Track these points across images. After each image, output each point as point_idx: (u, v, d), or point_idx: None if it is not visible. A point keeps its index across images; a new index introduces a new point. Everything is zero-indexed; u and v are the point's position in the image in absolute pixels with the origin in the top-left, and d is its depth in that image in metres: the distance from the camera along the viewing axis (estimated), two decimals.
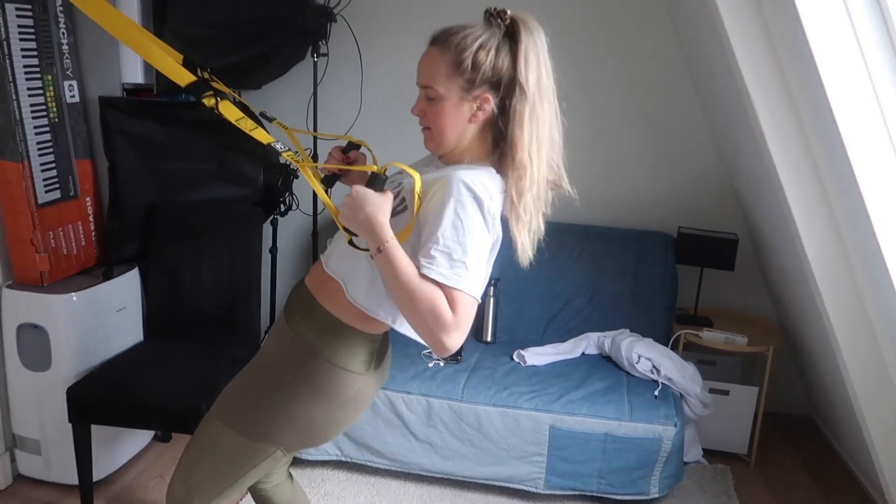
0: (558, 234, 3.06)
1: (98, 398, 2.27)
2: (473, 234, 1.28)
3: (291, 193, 2.97)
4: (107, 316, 2.51)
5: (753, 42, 1.95)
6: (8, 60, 2.21)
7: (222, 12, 2.75)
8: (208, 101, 1.40)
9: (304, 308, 1.44)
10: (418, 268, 1.26)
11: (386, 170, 1.35)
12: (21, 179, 2.28)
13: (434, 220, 1.28)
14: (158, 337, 2.66)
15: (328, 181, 1.47)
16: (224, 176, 2.73)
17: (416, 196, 1.31)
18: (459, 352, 2.78)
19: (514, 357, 2.81)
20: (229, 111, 1.41)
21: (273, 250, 3.13)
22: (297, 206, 3.07)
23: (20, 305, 2.36)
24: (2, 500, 2.44)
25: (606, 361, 2.84)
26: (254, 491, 1.77)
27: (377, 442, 2.59)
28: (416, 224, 1.32)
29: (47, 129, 2.37)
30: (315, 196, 3.15)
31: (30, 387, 2.40)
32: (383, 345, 1.52)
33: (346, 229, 1.34)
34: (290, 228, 3.41)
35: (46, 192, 2.37)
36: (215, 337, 2.60)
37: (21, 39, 2.25)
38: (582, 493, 2.54)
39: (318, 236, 3.24)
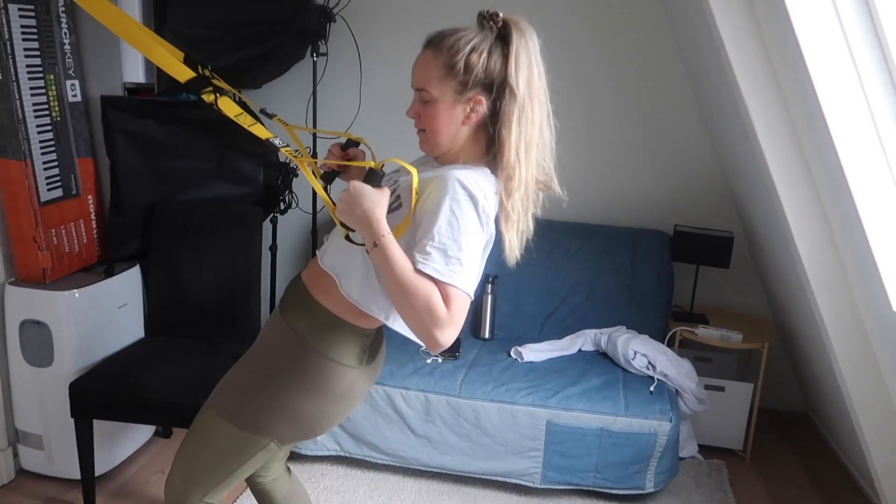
0: (555, 231, 3.13)
1: (100, 394, 2.29)
2: (468, 231, 1.29)
3: (291, 192, 2.99)
4: (108, 313, 2.53)
5: (746, 42, 1.97)
6: (11, 60, 2.23)
7: (222, 12, 2.76)
8: (207, 97, 1.41)
9: (300, 302, 1.46)
10: (413, 263, 1.28)
11: (383, 165, 1.37)
12: (24, 178, 2.30)
13: (430, 218, 1.29)
14: (159, 333, 2.67)
15: (328, 178, 1.48)
16: (224, 175, 2.74)
17: (414, 192, 1.33)
18: (457, 348, 2.80)
19: (512, 353, 2.83)
20: (228, 107, 1.42)
21: (273, 248, 3.14)
22: (297, 204, 3.09)
23: (23, 302, 2.39)
24: (4, 494, 2.46)
25: (603, 358, 2.86)
26: (252, 485, 1.79)
27: (376, 437, 2.61)
28: (412, 221, 1.34)
29: (49, 127, 2.39)
30: (314, 194, 3.17)
31: (32, 382, 2.42)
32: (377, 340, 1.54)
33: (343, 224, 1.35)
34: (289, 226, 3.43)
35: (49, 190, 2.39)
36: (215, 334, 2.61)
37: (24, 39, 2.27)
38: (578, 487, 2.56)
39: (318, 234, 3.26)
